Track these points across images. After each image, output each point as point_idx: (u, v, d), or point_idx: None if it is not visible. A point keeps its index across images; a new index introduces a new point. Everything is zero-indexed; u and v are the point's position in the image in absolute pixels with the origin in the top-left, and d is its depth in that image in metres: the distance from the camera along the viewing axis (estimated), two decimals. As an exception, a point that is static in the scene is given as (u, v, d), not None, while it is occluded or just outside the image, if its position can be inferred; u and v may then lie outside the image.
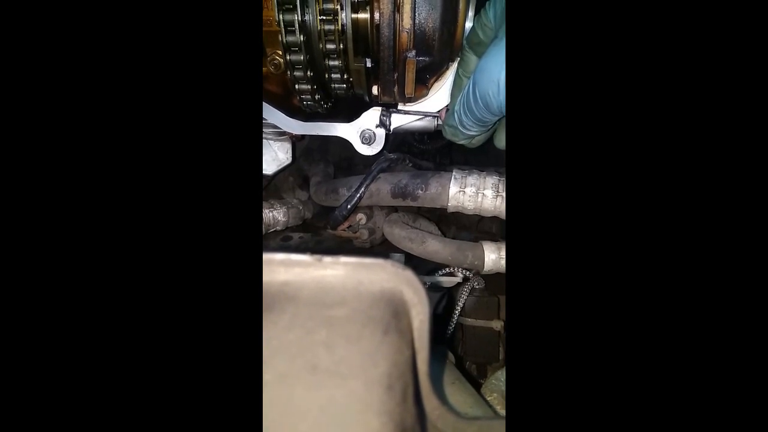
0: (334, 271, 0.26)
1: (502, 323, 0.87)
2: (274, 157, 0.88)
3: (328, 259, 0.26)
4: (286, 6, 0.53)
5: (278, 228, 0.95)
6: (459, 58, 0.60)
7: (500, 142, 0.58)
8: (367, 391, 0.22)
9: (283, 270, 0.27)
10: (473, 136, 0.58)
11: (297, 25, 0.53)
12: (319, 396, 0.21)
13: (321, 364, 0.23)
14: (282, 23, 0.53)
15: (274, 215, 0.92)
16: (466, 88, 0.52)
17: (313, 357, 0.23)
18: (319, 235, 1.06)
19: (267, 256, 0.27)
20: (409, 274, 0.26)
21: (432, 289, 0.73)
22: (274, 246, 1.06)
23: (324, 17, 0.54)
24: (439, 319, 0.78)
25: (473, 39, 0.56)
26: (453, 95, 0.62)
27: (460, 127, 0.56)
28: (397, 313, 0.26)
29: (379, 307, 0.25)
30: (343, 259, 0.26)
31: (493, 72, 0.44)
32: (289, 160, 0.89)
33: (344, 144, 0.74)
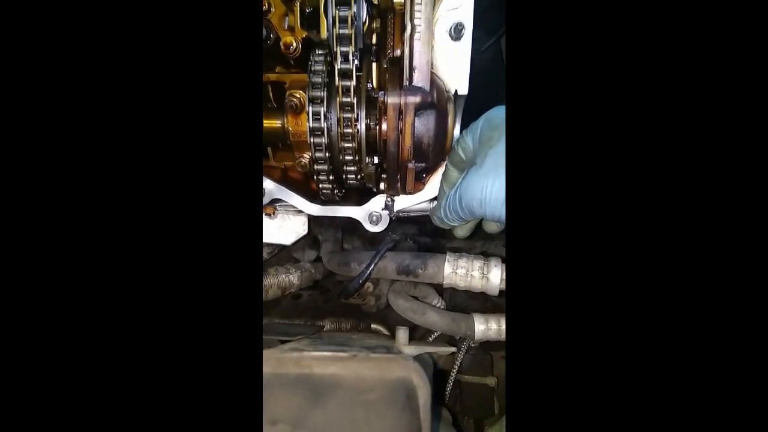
0: (366, 363, 0.38)
1: (496, 379, 0.96)
2: (293, 229, 1.01)
3: (362, 354, 0.38)
4: (315, 117, 0.68)
5: (293, 290, 1.07)
6: (443, 173, 0.74)
7: (488, 227, 0.73)
8: None
9: (330, 363, 0.39)
10: (455, 226, 0.74)
11: (326, 132, 0.67)
12: None
13: None
14: (310, 130, 0.68)
15: (290, 279, 1.04)
16: (453, 196, 0.65)
17: (358, 427, 0.34)
18: (326, 294, 1.17)
19: (317, 354, 0.39)
20: (417, 366, 0.38)
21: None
22: (286, 305, 1.16)
23: (345, 127, 0.69)
24: (437, 375, 0.87)
25: (455, 159, 0.70)
26: (438, 199, 0.76)
27: (446, 220, 0.71)
28: (408, 396, 0.37)
29: (397, 392, 0.37)
30: (372, 355, 0.38)
31: (475, 192, 0.59)
32: (305, 232, 1.02)
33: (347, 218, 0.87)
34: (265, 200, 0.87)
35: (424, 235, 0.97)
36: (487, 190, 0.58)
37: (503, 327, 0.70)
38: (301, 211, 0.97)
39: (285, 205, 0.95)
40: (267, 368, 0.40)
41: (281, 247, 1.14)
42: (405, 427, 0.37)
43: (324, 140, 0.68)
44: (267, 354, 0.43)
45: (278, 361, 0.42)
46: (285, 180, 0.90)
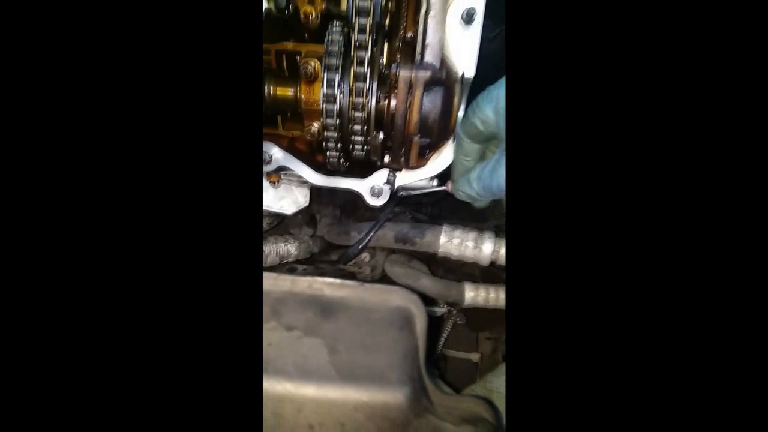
0: (371, 291, 0.42)
1: (480, 355, 1.01)
2: (295, 200, 1.04)
3: (368, 285, 0.42)
4: (330, 84, 0.71)
5: (290, 260, 1.09)
6: (456, 144, 0.75)
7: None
8: (395, 358, 0.37)
9: (339, 288, 0.43)
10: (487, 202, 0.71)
11: (338, 99, 0.70)
12: (369, 358, 0.36)
13: (367, 344, 0.38)
14: (324, 96, 0.70)
15: (288, 249, 1.07)
16: (488, 176, 0.62)
17: (362, 341, 0.39)
18: (320, 268, 1.20)
19: (328, 280, 0.43)
20: (415, 298, 0.43)
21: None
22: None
23: (357, 97, 0.72)
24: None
25: (471, 130, 0.67)
26: (456, 171, 0.76)
27: (474, 195, 0.68)
28: (407, 319, 0.42)
29: (397, 315, 0.41)
30: (377, 285, 0.42)
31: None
32: (307, 203, 1.05)
33: (349, 190, 0.90)
34: (272, 167, 0.90)
35: (421, 211, 1.01)
36: None
37: (491, 295, 0.75)
38: (304, 182, 1.00)
39: (289, 176, 0.98)
40: (283, 287, 0.44)
41: (281, 219, 1.17)
42: (403, 343, 0.41)
43: (336, 107, 0.72)
44: (283, 276, 0.47)
45: (293, 282, 0.46)
46: (291, 150, 0.93)
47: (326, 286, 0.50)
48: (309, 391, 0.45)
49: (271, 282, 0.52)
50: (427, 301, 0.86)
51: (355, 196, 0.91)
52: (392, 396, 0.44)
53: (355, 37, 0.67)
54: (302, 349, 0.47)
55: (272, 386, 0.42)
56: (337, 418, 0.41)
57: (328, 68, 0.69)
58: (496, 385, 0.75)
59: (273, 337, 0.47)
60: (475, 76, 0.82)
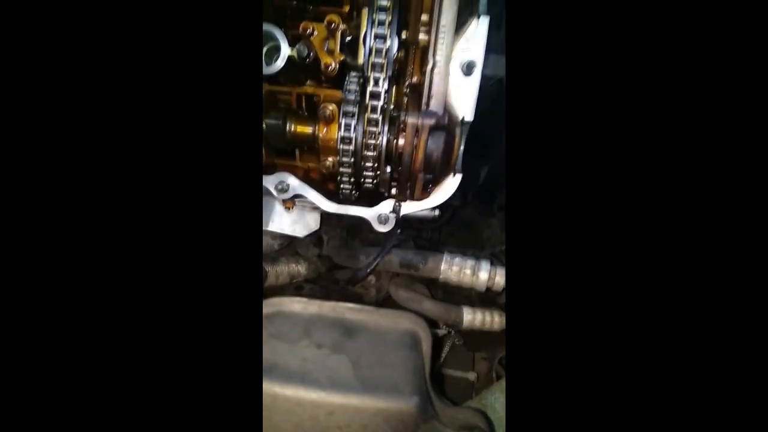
0: (386, 315, 0.50)
1: (476, 375, 1.07)
2: (307, 224, 1.12)
3: (382, 310, 0.51)
4: (346, 127, 0.81)
5: (299, 279, 1.17)
6: None
7: None
8: (407, 373, 0.45)
9: (358, 312, 0.51)
10: None
11: (353, 141, 0.80)
12: (386, 373, 0.44)
13: (384, 360, 0.46)
14: (340, 138, 0.80)
15: (299, 269, 1.14)
16: None
17: (380, 358, 0.46)
18: (326, 288, 1.28)
19: (349, 305, 0.51)
20: (422, 322, 0.51)
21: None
22: (288, 294, 1.26)
23: (369, 138, 0.81)
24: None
25: None
26: None
27: None
28: (416, 341, 0.50)
29: (408, 336, 0.50)
30: (390, 310, 0.50)
31: None
32: (317, 227, 1.13)
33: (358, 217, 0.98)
34: (288, 195, 0.98)
35: (422, 237, 1.09)
36: None
37: (487, 318, 0.82)
38: (316, 208, 1.09)
39: (302, 202, 1.07)
40: (312, 310, 0.51)
41: (291, 240, 1.25)
42: (413, 361, 0.49)
43: (351, 148, 0.81)
44: (311, 301, 0.54)
45: (319, 307, 0.54)
46: (306, 179, 1.02)
47: (347, 310, 0.60)
48: (338, 399, 0.54)
49: (301, 306, 0.60)
50: (429, 322, 0.94)
51: (361, 221, 0.99)
52: (405, 404, 0.56)
53: (370, 87, 0.77)
54: (331, 363, 0.56)
55: (308, 395, 0.51)
56: (361, 422, 0.49)
57: (345, 114, 0.79)
58: (491, 401, 0.82)
59: (307, 353, 0.56)
60: (474, 119, 0.92)
